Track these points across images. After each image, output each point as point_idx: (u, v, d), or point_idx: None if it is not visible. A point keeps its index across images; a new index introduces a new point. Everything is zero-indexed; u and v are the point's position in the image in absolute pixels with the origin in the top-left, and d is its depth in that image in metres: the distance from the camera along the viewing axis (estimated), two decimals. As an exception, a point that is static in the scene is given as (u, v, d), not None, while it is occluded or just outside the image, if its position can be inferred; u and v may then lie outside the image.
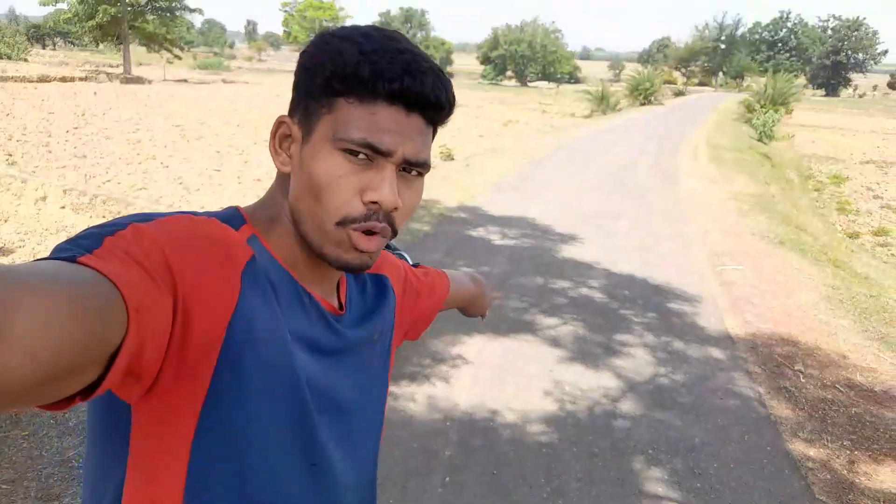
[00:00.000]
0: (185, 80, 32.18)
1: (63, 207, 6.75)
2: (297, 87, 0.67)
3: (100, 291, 0.47)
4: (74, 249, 0.51)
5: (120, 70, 31.03)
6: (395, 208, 0.64)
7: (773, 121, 20.66)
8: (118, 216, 0.54)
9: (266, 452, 0.64)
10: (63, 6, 29.51)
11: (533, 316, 4.45)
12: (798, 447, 3.15)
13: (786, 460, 3.02)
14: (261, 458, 0.64)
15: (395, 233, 0.68)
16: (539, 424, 3.11)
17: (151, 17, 33.20)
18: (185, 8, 34.78)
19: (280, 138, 0.68)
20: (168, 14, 34.13)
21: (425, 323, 1.00)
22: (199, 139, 13.78)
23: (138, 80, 28.24)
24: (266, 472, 0.64)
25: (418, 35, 70.54)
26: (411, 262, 1.00)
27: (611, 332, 4.29)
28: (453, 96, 0.67)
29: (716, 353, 4.13)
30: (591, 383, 3.56)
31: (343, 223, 0.64)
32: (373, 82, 0.62)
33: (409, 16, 70.19)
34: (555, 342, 4.06)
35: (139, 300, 0.50)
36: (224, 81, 35.21)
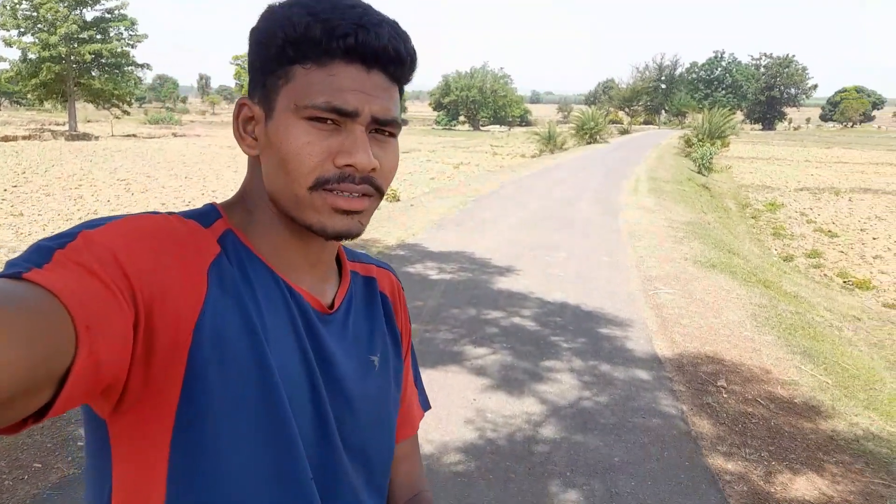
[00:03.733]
0: (134, 135, 31.90)
1: (-15, 264, 6.52)
2: (253, 66, 0.64)
3: (44, 310, 0.44)
4: (21, 265, 0.47)
5: (66, 128, 30.57)
6: (373, 169, 0.61)
7: (710, 153, 21.54)
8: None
9: (243, 458, 0.60)
10: (5, 66, 29.07)
11: (462, 347, 4.43)
12: (716, 461, 3.16)
13: (704, 474, 3.03)
14: (239, 468, 0.59)
15: (381, 194, 0.64)
16: (456, 454, 3.05)
17: (97, 73, 32.97)
18: (133, 63, 34.68)
19: (243, 122, 0.65)
20: (116, 70, 33.95)
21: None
22: (145, 192, 13.61)
23: (85, 137, 27.89)
24: (241, 480, 0.60)
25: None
26: None
27: (538, 358, 4.29)
28: (414, 49, 0.64)
29: (642, 374, 4.16)
30: (513, 410, 3.54)
31: (316, 187, 0.60)
32: (326, 41, 0.59)
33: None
34: (481, 371, 4.03)
35: (91, 315, 0.47)
36: (174, 135, 35.06)
